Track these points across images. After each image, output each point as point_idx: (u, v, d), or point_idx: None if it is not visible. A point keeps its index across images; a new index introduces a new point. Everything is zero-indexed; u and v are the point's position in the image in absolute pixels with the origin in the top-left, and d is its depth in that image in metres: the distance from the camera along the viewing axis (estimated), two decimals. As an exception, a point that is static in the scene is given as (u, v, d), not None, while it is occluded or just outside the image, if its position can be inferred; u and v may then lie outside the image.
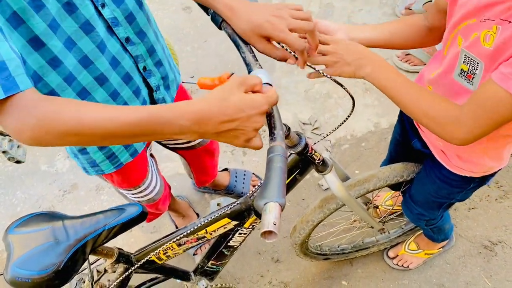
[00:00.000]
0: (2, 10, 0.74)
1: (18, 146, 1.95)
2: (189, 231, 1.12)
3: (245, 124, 0.72)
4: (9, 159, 1.90)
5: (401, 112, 1.41)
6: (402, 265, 1.85)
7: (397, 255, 1.86)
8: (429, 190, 1.32)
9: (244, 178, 2.05)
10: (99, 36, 0.92)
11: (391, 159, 1.55)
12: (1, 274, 0.99)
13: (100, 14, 0.93)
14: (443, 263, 1.87)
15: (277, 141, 0.73)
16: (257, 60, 0.89)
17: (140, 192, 1.45)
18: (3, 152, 1.88)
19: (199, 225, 1.12)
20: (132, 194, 1.45)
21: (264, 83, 0.83)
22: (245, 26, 0.88)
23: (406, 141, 1.37)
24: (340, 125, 1.14)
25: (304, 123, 2.26)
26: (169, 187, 1.74)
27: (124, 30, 0.99)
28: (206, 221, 1.12)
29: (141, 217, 1.01)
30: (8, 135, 1.93)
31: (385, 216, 1.78)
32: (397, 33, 1.12)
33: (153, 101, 1.19)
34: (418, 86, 0.97)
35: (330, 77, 1.01)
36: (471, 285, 1.81)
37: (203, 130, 0.72)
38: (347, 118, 1.12)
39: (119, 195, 2.07)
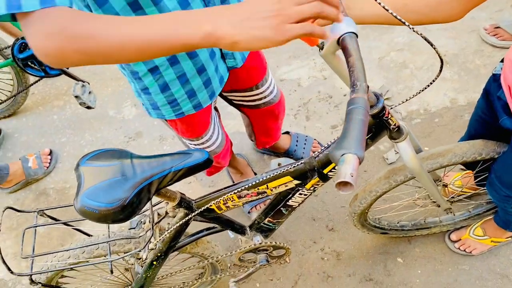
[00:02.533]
0: None
1: (89, 92, 2.01)
2: (250, 184, 1.10)
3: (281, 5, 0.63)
4: (80, 104, 1.97)
5: (487, 86, 1.29)
6: (465, 250, 1.75)
7: (460, 239, 1.76)
8: (514, 171, 1.21)
9: (305, 143, 2.01)
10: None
11: (470, 137, 1.44)
12: (67, 206, 1.03)
13: None
14: (510, 253, 1.75)
15: (359, 92, 0.67)
16: (344, 8, 0.83)
17: (202, 143, 1.47)
18: (76, 96, 1.94)
19: (261, 179, 1.09)
20: (195, 144, 1.47)
21: (350, 32, 0.77)
22: None
23: (491, 119, 1.25)
24: (423, 90, 1.05)
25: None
26: (231, 143, 1.73)
27: None
28: (268, 176, 1.09)
29: (207, 163, 1.00)
30: (81, 81, 2.00)
31: (453, 197, 1.67)
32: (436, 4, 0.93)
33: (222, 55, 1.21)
34: None
35: (421, 34, 0.91)
36: (539, 280, 1.69)
37: (219, 25, 0.63)
38: (432, 81, 1.03)
39: (181, 146, 2.11)
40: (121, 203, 0.89)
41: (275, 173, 1.10)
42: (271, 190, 1.14)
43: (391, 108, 1.11)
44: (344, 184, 0.57)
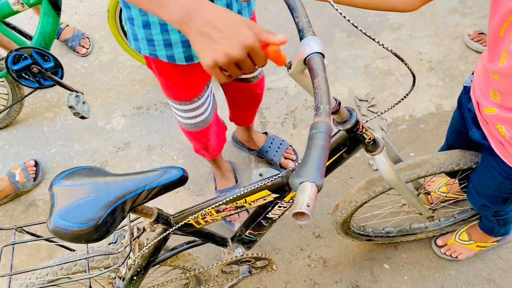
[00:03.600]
0: None
1: (83, 102, 2.03)
2: (228, 199, 1.11)
3: (230, 35, 0.71)
4: (74, 114, 2.00)
5: (459, 98, 1.31)
6: (451, 255, 1.76)
7: (446, 244, 1.77)
8: (490, 184, 1.22)
9: (279, 147, 2.05)
10: None
11: (448, 147, 1.45)
12: (45, 222, 1.04)
13: None
14: (496, 257, 1.77)
15: (321, 116, 0.67)
16: (311, 26, 0.84)
17: (193, 109, 1.47)
18: (70, 107, 1.97)
19: (238, 194, 1.10)
20: (185, 111, 1.47)
21: (316, 52, 0.78)
22: None
23: (466, 130, 1.27)
24: (398, 103, 1.07)
25: (360, 99, 2.17)
26: (225, 127, 1.83)
27: None
28: (246, 190, 1.11)
29: (181, 180, 1.01)
30: (75, 91, 2.02)
31: (436, 203, 1.69)
32: None
33: None
34: None
35: (391, 51, 0.93)
36: (525, 284, 1.70)
37: (188, 19, 0.72)
38: (405, 96, 1.04)
39: (169, 156, 2.12)
40: (94, 223, 0.90)
41: (253, 188, 1.11)
42: (250, 204, 1.15)
43: (376, 116, 1.13)
44: (300, 214, 0.56)
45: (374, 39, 0.87)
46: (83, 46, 2.57)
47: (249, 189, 1.11)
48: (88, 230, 0.90)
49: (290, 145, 2.07)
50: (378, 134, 1.15)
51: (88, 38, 2.60)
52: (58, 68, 2.04)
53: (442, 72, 2.18)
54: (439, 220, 1.76)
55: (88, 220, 0.91)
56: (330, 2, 0.86)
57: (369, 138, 1.07)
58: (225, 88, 1.73)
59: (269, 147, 2.04)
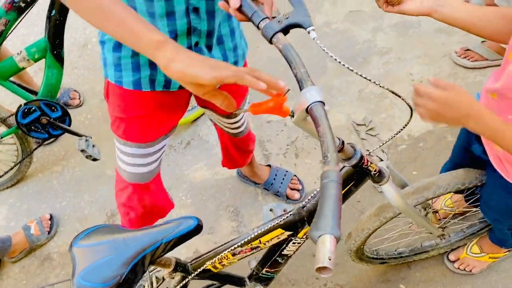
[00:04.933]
0: None
1: (93, 146, 2.10)
2: (243, 242, 1.14)
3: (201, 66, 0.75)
4: (87, 157, 2.06)
5: None
6: (464, 269, 1.78)
7: (459, 259, 1.79)
8: (497, 200, 1.26)
9: (283, 178, 2.08)
10: None
11: (453, 164, 1.49)
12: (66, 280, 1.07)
13: None
14: (510, 267, 1.79)
15: (330, 165, 0.70)
16: (309, 76, 0.89)
17: (147, 156, 1.33)
18: (82, 150, 2.03)
19: (252, 235, 1.14)
20: (134, 156, 1.32)
21: (318, 101, 0.83)
22: None
23: (469, 146, 1.31)
24: (396, 134, 1.12)
25: (358, 124, 2.22)
26: (171, 205, 1.71)
27: (198, 1, 1.04)
28: (259, 231, 1.14)
29: (197, 229, 1.05)
30: (84, 135, 2.08)
31: (446, 220, 1.72)
32: (485, 21, 1.04)
33: None
34: None
35: (386, 88, 0.98)
36: (542, 293, 1.71)
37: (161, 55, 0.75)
38: (402, 129, 1.10)
39: (177, 197, 2.16)
40: (116, 281, 0.94)
41: (266, 228, 1.15)
42: (264, 244, 1.19)
43: (377, 148, 1.17)
44: (323, 269, 0.58)
45: (362, 75, 0.93)
46: (74, 98, 2.65)
47: (263, 229, 1.14)
48: (112, 288, 0.94)
49: (295, 175, 2.11)
50: (383, 164, 1.19)
51: (75, 90, 2.68)
52: (65, 116, 2.11)
53: (434, 90, 2.24)
54: (449, 236, 1.79)
55: (110, 278, 0.94)
56: (316, 41, 0.91)
57: (375, 170, 1.12)
58: (220, 137, 1.77)
59: (274, 179, 2.08)
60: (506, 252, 1.75)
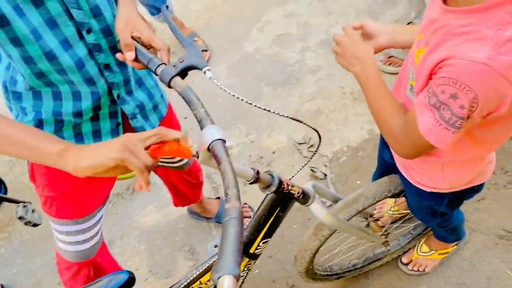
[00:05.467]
0: None
1: (33, 211, 2.03)
2: (183, 285, 1.14)
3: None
4: (26, 223, 1.98)
5: None
6: (418, 270, 1.82)
7: (411, 260, 1.84)
8: (414, 202, 1.31)
9: None
10: (77, 55, 1.02)
11: (380, 171, 1.55)
12: None
13: (82, 37, 1.02)
14: (460, 261, 1.84)
15: (231, 202, 0.72)
16: (208, 115, 0.92)
17: (83, 231, 1.28)
18: (19, 217, 1.96)
19: (191, 277, 1.14)
20: (70, 233, 1.27)
21: (217, 139, 0.85)
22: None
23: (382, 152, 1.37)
24: (311, 157, 1.16)
25: (299, 143, 2.27)
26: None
27: (106, 57, 1.07)
28: (197, 272, 1.14)
29: (130, 283, 1.04)
30: (22, 202, 2.02)
31: (389, 226, 1.76)
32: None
33: (129, 129, 1.22)
34: (391, 98, 1.00)
35: (287, 116, 1.02)
36: (493, 279, 1.77)
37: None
38: (314, 153, 1.14)
39: (130, 245, 2.12)
40: None
41: (203, 268, 1.15)
42: (206, 283, 1.19)
43: (300, 170, 1.20)
44: None
45: (256, 105, 0.96)
46: None
47: (201, 270, 1.15)
48: None
49: (245, 203, 2.12)
50: (308, 184, 1.22)
51: None
52: (0, 184, 2.06)
53: (365, 100, 2.32)
54: (399, 240, 1.83)
55: None
56: (212, 80, 0.95)
57: (298, 193, 1.14)
58: (161, 175, 1.75)
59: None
60: (453, 246, 1.81)
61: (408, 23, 2.51)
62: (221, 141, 0.85)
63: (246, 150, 2.32)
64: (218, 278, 0.61)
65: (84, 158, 0.78)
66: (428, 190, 1.15)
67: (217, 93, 2.54)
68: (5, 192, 2.07)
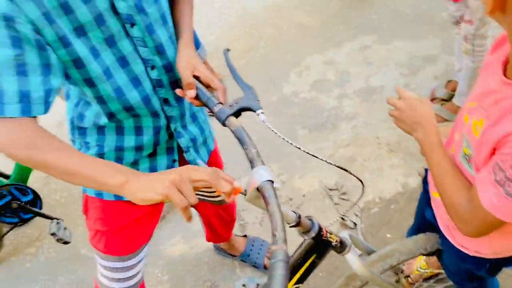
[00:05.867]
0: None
1: (64, 228, 2.08)
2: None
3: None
4: (57, 240, 2.04)
5: (423, 178, 1.41)
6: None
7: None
8: (453, 264, 1.28)
9: (260, 249, 2.07)
10: (144, 91, 1.08)
11: (417, 227, 1.52)
12: None
13: (147, 74, 1.09)
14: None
15: (278, 244, 0.74)
16: (259, 156, 0.94)
17: (128, 268, 1.31)
18: (52, 234, 2.02)
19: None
20: (116, 270, 1.30)
21: (267, 180, 0.87)
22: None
23: (423, 210, 1.35)
24: (351, 207, 1.16)
25: (330, 189, 2.26)
26: None
27: (166, 92, 1.13)
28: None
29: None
30: (55, 219, 2.07)
31: (420, 284, 1.72)
32: None
33: (184, 163, 1.26)
34: (454, 172, 0.96)
35: (333, 164, 1.04)
36: None
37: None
38: (357, 201, 1.14)
39: (153, 274, 2.12)
40: None
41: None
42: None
43: (336, 220, 1.20)
44: None
45: (300, 148, 0.98)
46: None
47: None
48: None
49: (271, 244, 2.10)
50: (345, 233, 1.22)
51: None
52: (37, 199, 2.12)
53: (401, 152, 2.32)
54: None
55: None
56: (265, 123, 1.00)
57: (336, 241, 1.14)
58: (200, 210, 1.77)
59: (251, 250, 2.07)
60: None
61: (449, 81, 2.53)
62: (270, 182, 0.87)
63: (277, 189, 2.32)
64: None
65: (139, 191, 0.84)
66: (471, 254, 1.12)
67: (254, 131, 2.58)
68: (41, 208, 2.13)
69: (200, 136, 1.33)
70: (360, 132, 2.49)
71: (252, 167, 0.91)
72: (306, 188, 2.30)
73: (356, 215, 2.14)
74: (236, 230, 2.21)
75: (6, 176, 2.20)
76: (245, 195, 0.95)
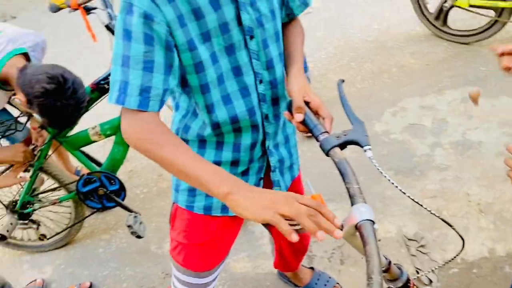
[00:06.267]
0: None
1: (140, 223, 2.18)
2: None
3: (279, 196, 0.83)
4: (132, 233, 2.13)
5: None
6: None
7: None
8: None
9: (325, 284, 2.00)
10: (251, 103, 1.11)
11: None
12: None
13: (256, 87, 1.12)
14: None
15: (373, 287, 0.71)
16: (361, 193, 0.91)
17: (203, 286, 1.33)
18: (128, 226, 2.12)
19: None
20: (190, 285, 1.32)
21: (365, 220, 0.84)
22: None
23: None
24: (449, 262, 1.09)
25: (409, 239, 2.15)
26: None
27: (267, 108, 1.15)
28: None
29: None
30: (134, 212, 2.17)
31: None
32: None
33: (267, 184, 1.27)
34: None
35: (438, 216, 0.98)
36: None
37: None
38: (453, 258, 1.07)
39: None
40: None
41: None
42: None
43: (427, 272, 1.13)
44: None
45: (422, 205, 0.94)
46: None
47: None
48: None
49: (338, 283, 2.04)
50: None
51: None
52: (122, 190, 2.23)
53: (493, 215, 2.16)
54: None
55: None
56: (371, 160, 0.96)
57: (421, 295, 1.08)
58: (275, 236, 1.76)
59: (316, 283, 2.01)
60: None
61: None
62: (371, 222, 0.84)
63: (351, 228, 2.25)
64: None
65: (242, 208, 0.83)
66: None
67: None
68: (123, 199, 2.23)
69: (288, 160, 1.32)
70: (449, 185, 2.36)
71: (353, 203, 0.89)
72: (382, 233, 2.21)
73: (433, 271, 2.01)
74: (303, 261, 2.17)
75: (99, 164, 2.34)
76: (341, 229, 0.92)
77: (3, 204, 2.28)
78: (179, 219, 1.28)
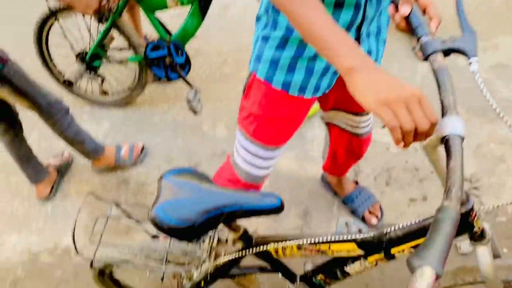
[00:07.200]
0: None
1: (198, 100, 2.20)
2: (313, 241, 1.11)
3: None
4: (189, 108, 2.18)
5: None
6: None
7: None
8: None
9: (366, 200, 2.00)
10: None
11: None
12: (142, 207, 1.11)
13: None
14: None
15: (452, 201, 0.65)
16: (456, 106, 0.83)
17: (271, 158, 1.34)
18: (188, 100, 2.15)
19: (325, 239, 1.11)
20: (263, 159, 1.33)
21: (456, 134, 0.77)
22: None
23: None
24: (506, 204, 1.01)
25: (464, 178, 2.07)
26: None
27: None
28: (333, 238, 1.10)
29: (277, 210, 1.04)
30: (195, 88, 2.19)
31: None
32: None
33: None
34: None
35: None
36: None
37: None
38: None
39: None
40: (190, 224, 0.96)
41: (341, 237, 1.11)
42: (332, 252, 1.15)
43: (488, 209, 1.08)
44: None
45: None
46: None
47: (338, 238, 1.10)
48: (182, 228, 0.96)
49: (378, 201, 2.02)
50: (487, 225, 1.09)
51: None
52: (187, 64, 2.22)
53: None
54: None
55: (185, 220, 0.97)
56: (474, 74, 0.86)
57: (478, 228, 1.03)
58: (333, 138, 1.72)
59: (356, 197, 2.01)
60: None
61: None
62: (461, 139, 0.77)
63: (406, 154, 2.19)
64: (419, 265, 0.54)
65: (358, 93, 0.77)
66: None
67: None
68: (187, 73, 2.23)
69: (374, 55, 1.23)
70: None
71: (443, 114, 0.80)
72: (437, 164, 2.13)
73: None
74: (349, 173, 2.15)
75: (169, 33, 2.32)
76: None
77: (75, 54, 2.34)
78: (255, 90, 1.23)
